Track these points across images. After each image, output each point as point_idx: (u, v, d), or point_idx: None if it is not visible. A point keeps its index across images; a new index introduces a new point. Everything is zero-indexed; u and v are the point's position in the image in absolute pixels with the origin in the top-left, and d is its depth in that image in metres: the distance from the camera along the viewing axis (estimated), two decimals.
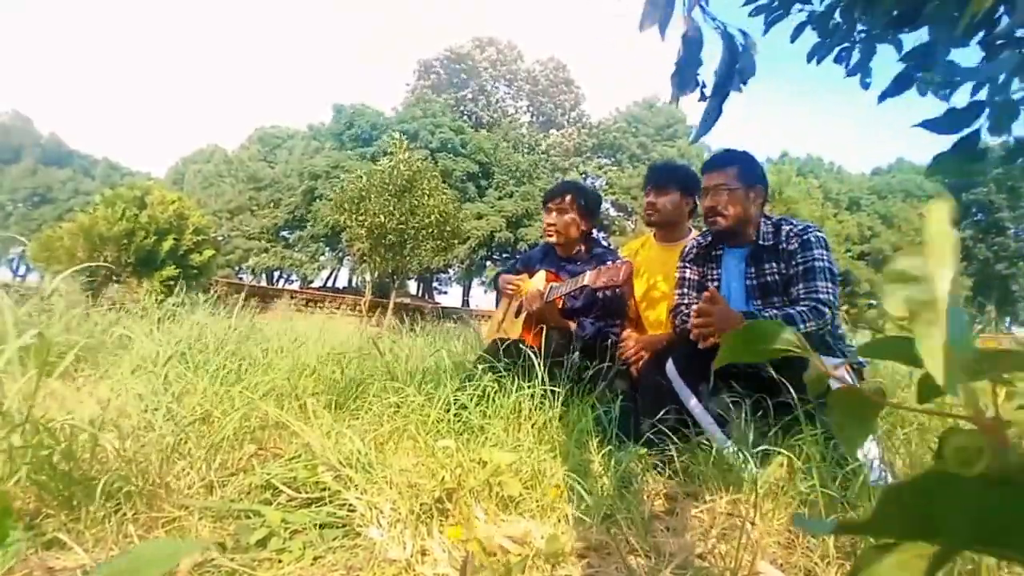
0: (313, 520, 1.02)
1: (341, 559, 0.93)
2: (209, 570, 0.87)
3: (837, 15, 1.60)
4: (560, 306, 2.14)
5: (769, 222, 1.82)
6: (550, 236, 2.27)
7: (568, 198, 2.24)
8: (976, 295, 31.57)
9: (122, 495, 1.02)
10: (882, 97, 1.51)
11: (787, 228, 1.78)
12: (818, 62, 1.71)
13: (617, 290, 2.05)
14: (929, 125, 1.20)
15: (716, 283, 1.87)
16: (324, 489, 1.10)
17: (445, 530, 1.01)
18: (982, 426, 0.25)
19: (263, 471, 1.16)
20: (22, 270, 35.33)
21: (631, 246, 2.52)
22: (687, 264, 1.96)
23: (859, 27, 1.61)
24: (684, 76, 1.01)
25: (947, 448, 0.28)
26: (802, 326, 1.57)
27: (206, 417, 1.44)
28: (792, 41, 1.68)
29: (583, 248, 2.30)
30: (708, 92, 1.05)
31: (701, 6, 0.97)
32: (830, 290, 1.65)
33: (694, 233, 2.24)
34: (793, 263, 1.73)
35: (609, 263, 1.89)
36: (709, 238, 1.91)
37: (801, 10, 1.62)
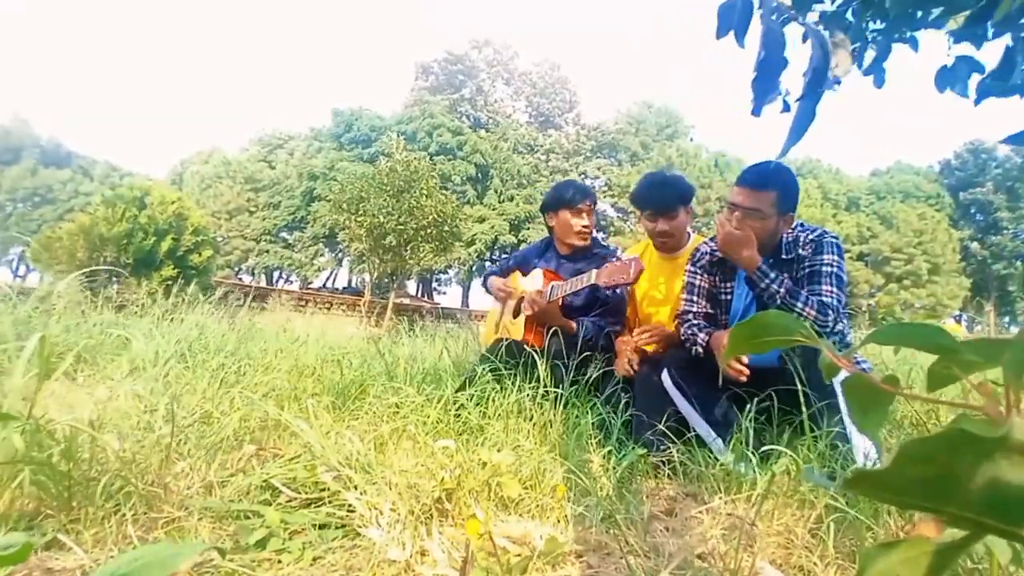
0: (313, 520, 1.02)
1: (341, 559, 0.93)
2: (209, 570, 0.87)
3: (849, 15, 1.58)
4: (559, 304, 2.13)
5: (790, 234, 1.75)
6: (584, 240, 2.28)
7: (592, 200, 2.29)
8: (974, 295, 31.59)
9: (122, 496, 1.02)
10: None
11: (803, 236, 1.72)
12: None
13: (619, 289, 2.03)
14: (1015, 139, 1.17)
15: (728, 296, 1.83)
16: (324, 489, 1.10)
17: (445, 530, 1.01)
18: (994, 415, 0.25)
19: (263, 471, 1.16)
20: (22, 270, 35.32)
21: (632, 251, 2.49)
22: (697, 271, 1.88)
23: (872, 26, 1.60)
24: (767, 80, 0.90)
25: None
26: (799, 304, 1.54)
27: (206, 418, 1.44)
28: (804, 41, 1.66)
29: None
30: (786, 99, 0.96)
31: (779, 6, 0.90)
32: (834, 294, 1.59)
33: (694, 236, 2.22)
34: (801, 266, 1.68)
35: (616, 260, 1.87)
36: None
37: (812, 10, 1.60)
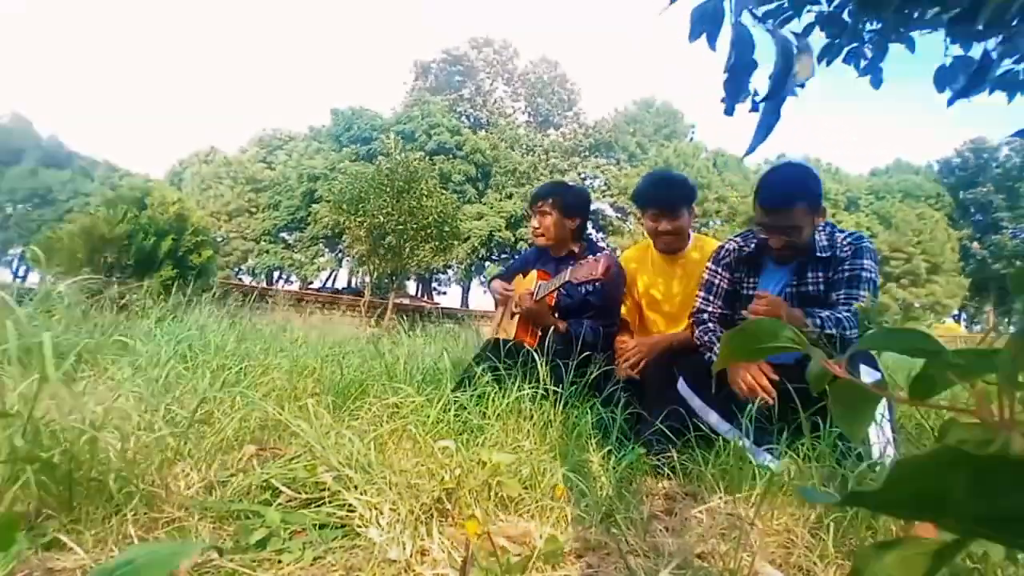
0: (313, 520, 1.02)
1: (341, 559, 0.93)
2: (209, 570, 0.87)
3: (846, 15, 1.59)
4: (552, 304, 2.16)
5: (823, 231, 1.76)
6: (539, 238, 2.31)
7: (549, 200, 2.26)
8: (974, 295, 31.60)
9: (122, 496, 1.02)
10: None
11: (840, 236, 1.75)
12: (828, 63, 1.70)
13: (598, 285, 2.04)
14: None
15: (752, 291, 1.81)
16: (324, 489, 1.10)
17: (445, 530, 1.01)
18: (987, 420, 0.25)
19: (263, 471, 1.16)
20: (22, 271, 35.31)
21: (635, 250, 2.47)
22: (719, 269, 1.87)
23: (869, 27, 1.61)
24: (737, 82, 0.95)
25: (947, 440, 0.28)
26: (847, 332, 1.57)
27: (206, 418, 1.44)
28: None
29: (577, 248, 2.30)
30: (756, 100, 1.01)
31: (751, 11, 0.95)
32: (869, 300, 1.65)
33: (694, 235, 2.21)
34: (840, 268, 1.71)
35: (590, 257, 1.89)
36: (752, 245, 1.81)
37: (809, 11, 1.61)
